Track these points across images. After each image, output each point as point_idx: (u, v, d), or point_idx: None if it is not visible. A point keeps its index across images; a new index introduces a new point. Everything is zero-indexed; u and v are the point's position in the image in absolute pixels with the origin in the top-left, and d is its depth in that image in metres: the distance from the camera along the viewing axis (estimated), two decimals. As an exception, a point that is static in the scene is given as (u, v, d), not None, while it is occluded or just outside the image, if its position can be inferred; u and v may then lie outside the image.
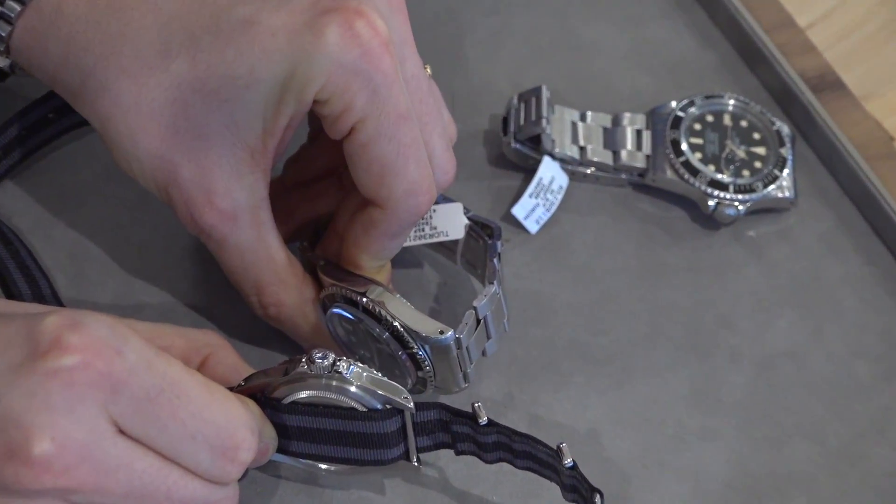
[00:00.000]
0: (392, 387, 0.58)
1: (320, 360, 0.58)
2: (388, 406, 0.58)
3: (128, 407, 0.52)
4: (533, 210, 0.73)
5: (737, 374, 0.69)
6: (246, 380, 0.59)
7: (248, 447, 0.55)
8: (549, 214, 0.73)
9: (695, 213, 0.75)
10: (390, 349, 0.62)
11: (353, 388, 0.57)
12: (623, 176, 0.75)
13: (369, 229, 0.61)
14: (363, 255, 0.63)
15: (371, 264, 0.63)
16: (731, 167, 0.74)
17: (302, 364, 0.58)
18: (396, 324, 0.61)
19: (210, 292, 0.69)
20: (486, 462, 0.61)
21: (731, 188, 0.73)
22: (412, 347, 0.61)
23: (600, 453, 0.66)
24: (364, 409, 0.58)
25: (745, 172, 0.74)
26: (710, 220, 0.74)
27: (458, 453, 0.61)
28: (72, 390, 0.50)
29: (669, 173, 0.74)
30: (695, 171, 0.73)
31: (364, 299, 0.61)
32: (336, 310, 0.62)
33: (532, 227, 0.73)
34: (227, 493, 0.56)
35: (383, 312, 0.61)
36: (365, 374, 0.58)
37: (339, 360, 0.58)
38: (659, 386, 0.69)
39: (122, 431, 0.52)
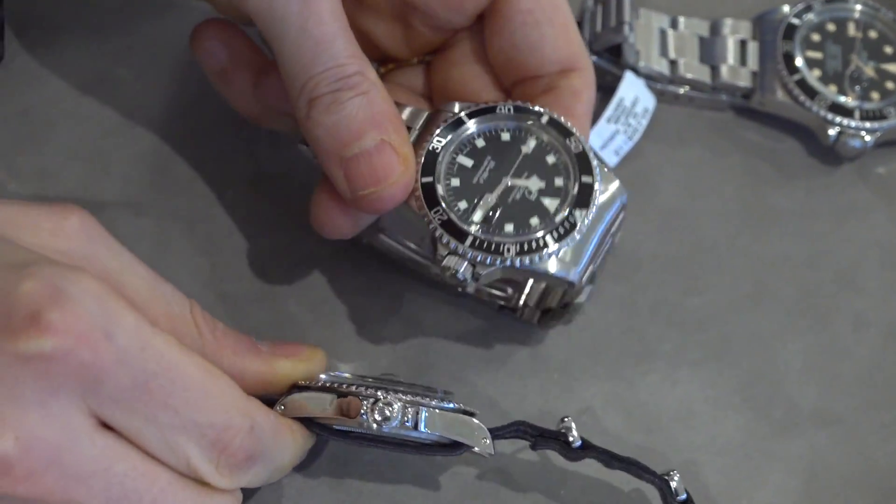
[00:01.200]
0: (469, 429, 0.56)
1: (388, 411, 0.54)
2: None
3: (111, 396, 0.49)
4: (612, 138, 0.69)
5: (861, 346, 0.65)
6: (285, 404, 0.56)
7: (244, 442, 0.51)
8: (631, 144, 0.69)
9: (811, 145, 0.71)
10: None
11: (425, 435, 0.56)
12: (723, 97, 0.72)
13: (574, 105, 0.60)
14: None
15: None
16: (857, 88, 0.71)
17: (363, 415, 0.55)
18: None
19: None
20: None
21: (857, 114, 0.70)
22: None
23: (692, 439, 0.62)
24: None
25: (875, 95, 0.71)
26: (830, 154, 0.71)
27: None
28: (46, 381, 0.47)
29: (780, 94, 0.71)
30: (812, 93, 0.70)
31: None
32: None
33: (610, 158, 0.69)
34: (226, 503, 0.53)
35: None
36: (439, 420, 0.55)
37: (408, 407, 0.55)
38: (765, 358, 0.65)
39: (101, 425, 0.49)
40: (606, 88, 0.70)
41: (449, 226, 0.56)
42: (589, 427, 0.61)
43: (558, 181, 0.58)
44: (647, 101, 0.69)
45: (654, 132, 0.70)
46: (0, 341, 0.47)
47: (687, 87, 0.71)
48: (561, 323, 0.62)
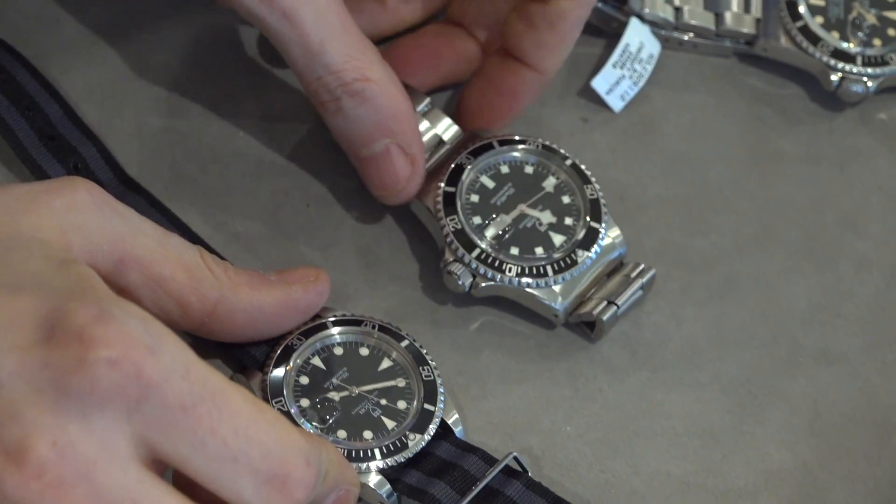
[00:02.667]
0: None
1: None
2: None
3: (157, 417, 0.47)
4: (617, 83, 0.70)
5: (864, 286, 0.66)
6: None
7: (301, 478, 0.49)
8: (636, 89, 0.70)
9: (814, 91, 0.72)
10: None
11: None
12: (727, 43, 0.72)
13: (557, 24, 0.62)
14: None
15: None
16: (860, 34, 0.71)
17: None
18: None
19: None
20: None
21: (860, 60, 0.70)
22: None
23: (696, 377, 0.63)
24: None
25: (877, 41, 0.71)
26: (831, 99, 0.71)
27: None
28: (90, 394, 0.46)
29: (784, 41, 0.71)
30: (815, 39, 0.71)
31: None
32: None
33: (616, 103, 0.70)
34: None
35: None
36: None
37: None
38: (769, 298, 0.66)
39: (143, 461, 0.47)
40: (612, 35, 0.70)
41: (461, 235, 0.61)
42: (594, 365, 0.62)
43: (568, 220, 0.63)
44: (653, 46, 0.70)
45: (658, 78, 0.70)
46: (46, 352, 0.46)
47: (691, 34, 0.71)
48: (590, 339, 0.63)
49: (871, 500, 0.60)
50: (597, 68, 0.70)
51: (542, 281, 0.61)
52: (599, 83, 0.69)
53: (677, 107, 0.70)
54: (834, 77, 0.69)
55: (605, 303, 0.61)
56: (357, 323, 0.60)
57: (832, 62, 0.69)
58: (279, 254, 0.64)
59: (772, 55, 0.71)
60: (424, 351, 0.59)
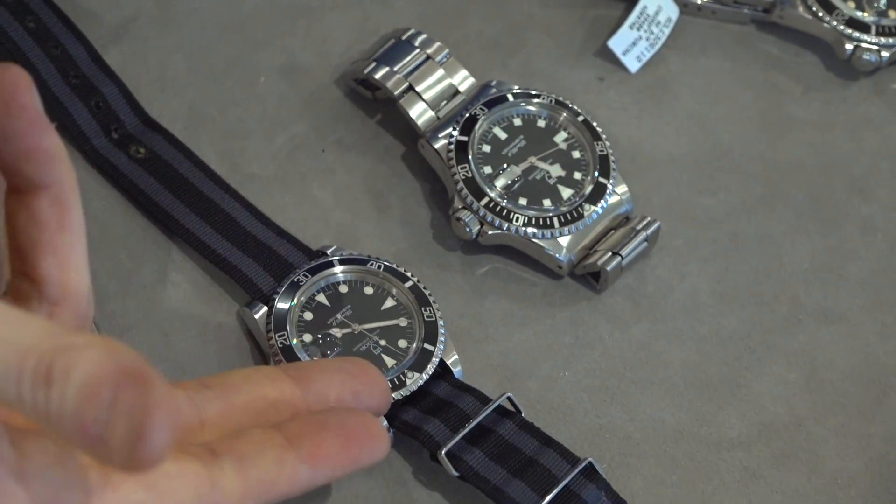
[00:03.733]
0: None
1: None
2: None
3: None
4: (634, 44, 0.70)
5: (868, 249, 0.67)
6: None
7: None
8: (653, 51, 0.71)
9: (829, 59, 0.72)
10: None
11: None
12: (745, 10, 0.73)
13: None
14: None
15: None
16: (876, 4, 0.71)
17: None
18: None
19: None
20: None
21: (874, 30, 0.70)
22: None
23: (696, 330, 0.64)
24: None
25: (892, 12, 0.71)
26: (846, 68, 0.72)
27: None
28: None
29: (800, 9, 0.71)
30: (830, 8, 0.71)
31: None
32: None
33: (632, 64, 0.70)
34: None
35: None
36: None
37: None
38: (773, 257, 0.66)
39: None
40: (631, -1, 0.71)
41: (471, 183, 0.63)
42: (596, 314, 0.63)
43: (577, 175, 0.64)
44: (671, 10, 0.70)
45: (676, 42, 0.71)
46: None
47: (709, 0, 0.72)
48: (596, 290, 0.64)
49: (863, 456, 0.60)
50: (615, 30, 0.70)
51: (547, 232, 0.62)
52: (616, 43, 0.70)
53: (693, 70, 0.71)
54: (848, 46, 0.70)
55: (609, 253, 0.62)
56: (363, 262, 0.61)
57: (847, 31, 0.70)
58: (292, 196, 0.65)
59: (788, 23, 0.71)
60: (428, 292, 0.61)
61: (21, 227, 0.45)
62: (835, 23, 0.70)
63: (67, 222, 0.45)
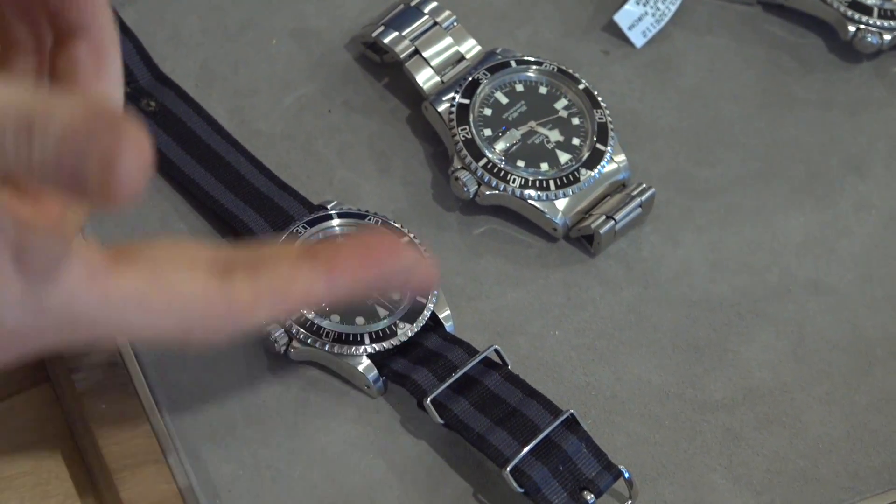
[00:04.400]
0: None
1: None
2: None
3: None
4: (640, 19, 0.71)
5: (861, 225, 0.67)
6: None
7: None
8: (658, 27, 0.71)
9: (832, 41, 0.73)
10: None
11: None
12: None
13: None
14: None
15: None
16: None
17: None
18: None
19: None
20: None
21: (876, 12, 0.71)
22: None
23: (687, 296, 0.64)
24: None
25: None
26: (848, 50, 0.72)
27: None
28: None
29: None
30: None
31: None
32: None
33: (637, 39, 0.71)
34: None
35: None
36: None
37: None
38: (767, 229, 0.67)
39: None
40: (640, -24, 0.72)
41: (470, 145, 0.64)
42: (589, 276, 0.64)
43: (576, 140, 0.66)
44: None
45: (682, 20, 0.71)
46: None
47: None
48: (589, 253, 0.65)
49: (846, 424, 0.61)
50: (621, 3, 0.71)
51: (544, 194, 0.64)
52: (622, 18, 0.70)
53: (698, 48, 0.71)
54: (851, 28, 0.70)
55: (603, 217, 0.64)
56: (360, 217, 0.63)
57: (850, 13, 0.70)
58: (297, 153, 0.66)
59: (793, 4, 0.72)
60: (423, 248, 0.62)
61: (60, 75, 0.47)
62: (838, 5, 0.70)
63: (104, 72, 0.47)
